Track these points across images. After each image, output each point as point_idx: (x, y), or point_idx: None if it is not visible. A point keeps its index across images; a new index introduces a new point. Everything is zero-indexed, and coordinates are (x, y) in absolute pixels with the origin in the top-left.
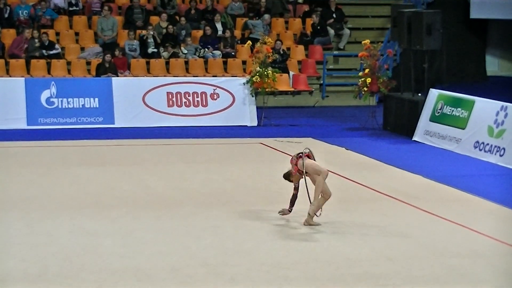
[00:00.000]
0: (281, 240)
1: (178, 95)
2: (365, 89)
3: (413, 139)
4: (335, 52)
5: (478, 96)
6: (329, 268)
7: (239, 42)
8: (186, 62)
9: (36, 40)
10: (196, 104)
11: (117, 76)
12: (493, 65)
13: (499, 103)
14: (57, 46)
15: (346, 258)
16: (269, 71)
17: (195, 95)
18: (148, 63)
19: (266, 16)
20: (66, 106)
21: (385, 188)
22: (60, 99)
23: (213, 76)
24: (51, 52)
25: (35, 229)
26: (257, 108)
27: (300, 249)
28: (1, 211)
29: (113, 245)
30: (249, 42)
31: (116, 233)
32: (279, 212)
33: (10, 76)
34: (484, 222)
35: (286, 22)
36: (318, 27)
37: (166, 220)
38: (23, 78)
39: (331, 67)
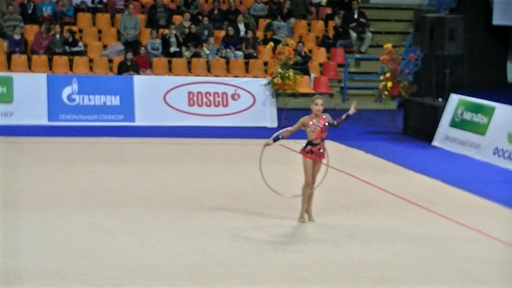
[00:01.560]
0: (298, 241)
1: (199, 94)
2: (386, 93)
3: (432, 144)
4: (357, 56)
5: (498, 102)
6: (346, 271)
7: (261, 43)
8: (208, 62)
9: (58, 36)
10: (216, 104)
11: (139, 74)
12: None
13: None
14: (80, 44)
15: (362, 261)
16: (291, 73)
17: (216, 95)
18: (170, 62)
19: (293, 20)
20: (88, 103)
21: (403, 192)
22: (81, 96)
23: (235, 77)
24: (74, 49)
25: (52, 226)
26: (278, 109)
27: (317, 251)
28: (19, 208)
29: (131, 244)
30: (271, 43)
31: (133, 231)
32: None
33: (32, 72)
34: (501, 229)
35: (309, 25)
36: (340, 30)
37: (184, 220)
38: (45, 74)
39: (352, 70)
